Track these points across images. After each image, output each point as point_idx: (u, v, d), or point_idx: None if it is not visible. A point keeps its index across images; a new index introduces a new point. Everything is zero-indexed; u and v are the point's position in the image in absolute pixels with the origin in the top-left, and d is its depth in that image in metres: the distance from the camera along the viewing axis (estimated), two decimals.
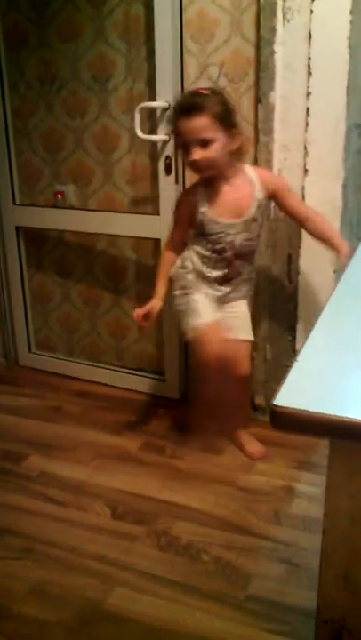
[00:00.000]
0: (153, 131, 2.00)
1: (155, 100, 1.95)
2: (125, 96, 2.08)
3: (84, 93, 2.15)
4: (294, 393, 0.73)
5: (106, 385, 2.39)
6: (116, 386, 2.37)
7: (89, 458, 1.92)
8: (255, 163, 1.92)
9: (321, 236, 1.70)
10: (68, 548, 1.53)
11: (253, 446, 1.92)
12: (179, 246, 1.78)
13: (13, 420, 2.17)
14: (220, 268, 1.74)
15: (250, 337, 1.82)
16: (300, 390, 0.74)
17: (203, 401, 1.91)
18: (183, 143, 1.61)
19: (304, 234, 1.87)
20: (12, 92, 2.29)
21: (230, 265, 1.73)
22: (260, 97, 1.84)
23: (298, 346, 1.98)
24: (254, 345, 2.07)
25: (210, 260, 1.73)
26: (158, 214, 2.05)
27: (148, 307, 1.75)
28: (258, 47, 1.82)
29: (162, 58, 1.91)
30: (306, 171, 1.83)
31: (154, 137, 1.98)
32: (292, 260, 1.92)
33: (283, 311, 1.98)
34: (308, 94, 1.77)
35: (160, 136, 1.96)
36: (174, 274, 1.79)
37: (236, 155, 1.66)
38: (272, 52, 1.77)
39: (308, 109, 1.78)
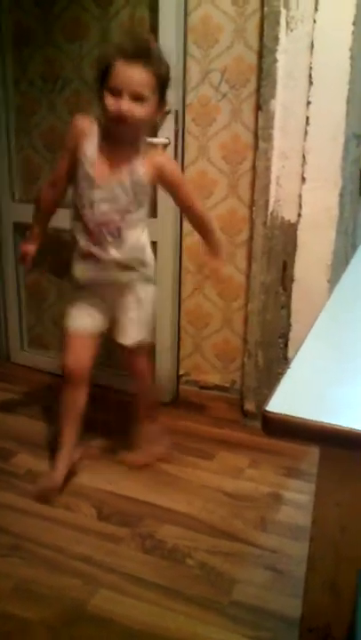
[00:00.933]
0: (153, 134, 2.01)
1: None
2: None
3: (87, 94, 2.15)
4: (287, 399, 0.73)
5: (97, 386, 2.37)
6: (107, 386, 2.36)
7: (76, 457, 1.91)
8: (253, 169, 1.94)
9: (202, 234, 1.69)
10: (54, 547, 1.53)
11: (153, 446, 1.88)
12: (58, 181, 1.65)
13: (3, 416, 2.16)
14: (84, 237, 1.59)
15: (129, 340, 1.70)
16: (293, 397, 0.74)
17: (62, 405, 1.78)
18: (112, 87, 1.43)
19: (300, 242, 1.89)
20: (14, 89, 2.29)
21: (91, 234, 1.58)
22: (261, 104, 1.85)
23: (290, 353, 1.99)
24: (246, 351, 2.08)
25: (75, 225, 1.61)
26: (156, 217, 2.05)
27: (24, 248, 1.75)
28: (260, 55, 1.83)
29: None
30: (303, 179, 1.84)
31: (154, 140, 1.98)
32: (286, 268, 1.93)
33: (276, 318, 1.99)
34: (309, 103, 1.78)
35: (160, 139, 1.96)
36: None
37: (149, 126, 1.60)
38: (274, 60, 1.78)
39: (307, 118, 1.79)
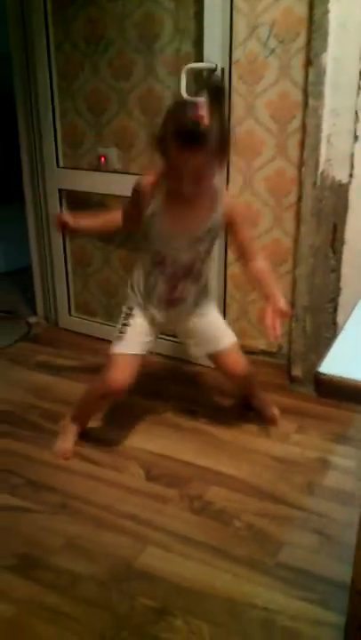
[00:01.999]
0: (198, 93, 1.95)
1: (201, 61, 1.90)
2: (172, 57, 2.04)
3: (131, 54, 2.11)
4: (339, 361, 0.71)
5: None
6: (154, 351, 2.38)
7: (125, 420, 1.94)
8: (303, 128, 1.87)
9: (259, 283, 1.70)
10: (102, 506, 1.57)
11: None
12: (126, 222, 1.71)
13: (52, 380, 2.21)
14: (162, 287, 1.65)
15: (228, 340, 1.80)
16: (345, 359, 0.73)
17: (91, 411, 1.87)
18: (172, 166, 1.45)
19: (351, 203, 1.82)
20: (57, 51, 2.26)
21: (171, 285, 1.64)
22: (312, 59, 1.77)
23: (339, 318, 1.95)
24: (294, 316, 2.05)
25: (152, 276, 1.65)
26: None
27: (64, 216, 1.77)
28: (311, 5, 1.75)
29: (210, 17, 1.85)
30: (356, 137, 1.77)
31: (200, 99, 1.93)
32: (337, 230, 1.87)
33: (325, 282, 1.94)
34: None
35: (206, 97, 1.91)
36: (127, 293, 1.74)
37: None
38: (326, 11, 1.70)
39: (360, 72, 1.71)
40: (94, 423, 1.92)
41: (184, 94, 1.91)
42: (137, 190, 1.59)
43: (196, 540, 1.45)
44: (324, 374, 0.68)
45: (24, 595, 1.31)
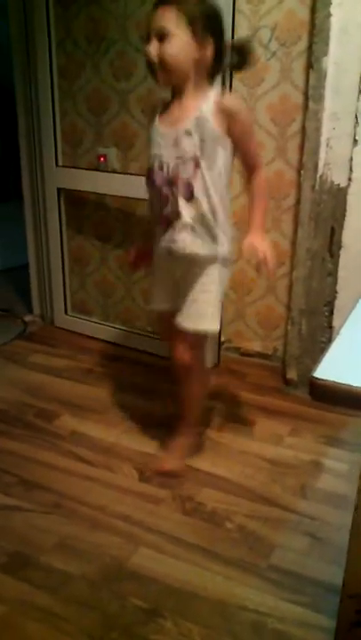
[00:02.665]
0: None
1: None
2: None
3: (132, 54, 2.11)
4: (334, 366, 0.71)
5: (138, 350, 2.41)
6: (149, 352, 2.38)
7: (119, 420, 1.94)
8: (302, 131, 1.87)
9: (249, 207, 1.51)
10: (95, 506, 1.57)
11: (169, 461, 1.70)
12: None
13: (47, 379, 2.21)
14: (158, 201, 1.48)
15: (191, 326, 1.51)
16: (341, 364, 0.73)
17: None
18: (145, 37, 1.37)
19: (350, 207, 1.83)
20: (58, 50, 2.26)
21: (162, 196, 1.45)
22: (313, 62, 1.78)
23: (335, 322, 1.95)
24: (290, 319, 2.05)
25: (149, 190, 1.51)
26: None
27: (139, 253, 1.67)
28: (313, 9, 1.75)
29: None
30: (355, 141, 1.77)
31: None
32: (334, 234, 1.87)
33: (321, 285, 1.95)
34: None
35: None
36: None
37: (203, 71, 1.40)
38: (328, 15, 1.70)
39: None
40: (88, 423, 1.92)
41: None
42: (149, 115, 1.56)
43: (188, 542, 1.45)
44: (320, 379, 0.67)
45: (14, 594, 1.31)
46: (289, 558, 1.41)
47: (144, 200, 2.23)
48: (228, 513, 1.54)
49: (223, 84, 1.88)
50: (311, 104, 1.80)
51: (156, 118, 1.48)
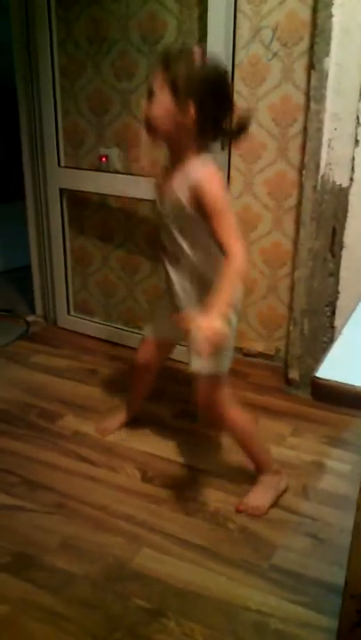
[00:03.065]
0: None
1: None
2: None
3: (134, 55, 2.11)
4: (336, 366, 0.72)
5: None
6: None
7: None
8: (304, 132, 1.87)
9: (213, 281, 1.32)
10: (97, 506, 1.57)
11: (253, 498, 1.58)
12: None
13: (50, 379, 2.21)
14: (163, 267, 1.52)
15: (198, 368, 1.46)
16: (343, 364, 0.73)
17: (131, 389, 1.91)
18: None
19: (351, 207, 1.83)
20: (60, 50, 2.27)
21: (165, 268, 1.50)
22: (314, 63, 1.78)
23: (337, 322, 1.95)
24: (292, 319, 2.05)
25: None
26: None
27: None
28: (315, 9, 1.75)
29: (214, 19, 1.85)
30: (357, 141, 1.77)
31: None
32: (336, 234, 1.87)
33: (323, 286, 1.95)
34: None
35: None
36: None
37: (189, 134, 1.34)
38: (330, 15, 1.70)
39: None
40: (91, 424, 1.93)
41: None
42: None
43: (191, 542, 1.45)
44: (322, 379, 0.68)
45: (17, 594, 1.31)
46: (291, 559, 1.41)
47: (146, 200, 2.25)
48: (230, 513, 1.54)
49: (222, 148, 1.60)
50: (313, 104, 1.80)
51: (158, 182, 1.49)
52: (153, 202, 1.53)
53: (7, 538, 1.46)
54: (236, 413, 1.55)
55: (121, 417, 1.90)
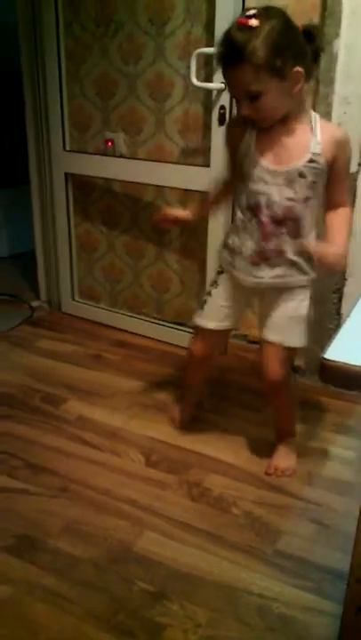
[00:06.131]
0: (209, 78, 1.94)
1: (212, 45, 1.88)
2: (182, 41, 2.01)
3: (141, 37, 2.09)
4: (346, 348, 0.71)
5: (146, 337, 2.40)
6: (156, 338, 2.38)
7: (126, 406, 1.94)
8: None
9: (327, 232, 1.44)
10: (101, 490, 1.57)
11: (282, 461, 1.66)
12: (226, 183, 1.58)
13: (54, 364, 2.21)
14: (255, 237, 1.44)
15: (281, 340, 1.50)
16: (351, 346, 0.72)
17: (186, 383, 1.85)
18: (232, 94, 1.38)
19: (359, 191, 1.81)
20: (66, 33, 2.24)
21: (266, 234, 1.43)
22: (324, 45, 1.74)
23: (344, 309, 1.94)
24: None
25: (244, 224, 1.46)
26: (209, 166, 2.00)
27: (176, 212, 1.59)
28: None
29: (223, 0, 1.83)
30: None
31: (209, 85, 1.92)
32: None
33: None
34: None
35: (216, 84, 1.90)
36: (218, 251, 1.61)
37: (302, 95, 1.35)
38: None
39: None
40: (95, 408, 1.92)
41: (193, 79, 1.90)
42: (226, 135, 1.53)
43: (194, 527, 1.45)
44: (330, 360, 0.67)
45: (21, 576, 1.31)
46: (295, 544, 1.41)
47: (151, 185, 2.24)
48: (234, 499, 1.54)
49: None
50: (322, 88, 1.78)
51: (254, 145, 1.40)
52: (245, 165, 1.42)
53: (11, 520, 1.47)
54: (294, 386, 1.66)
55: (188, 410, 1.85)
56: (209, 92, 1.95)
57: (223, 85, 1.88)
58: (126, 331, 2.45)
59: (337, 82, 1.75)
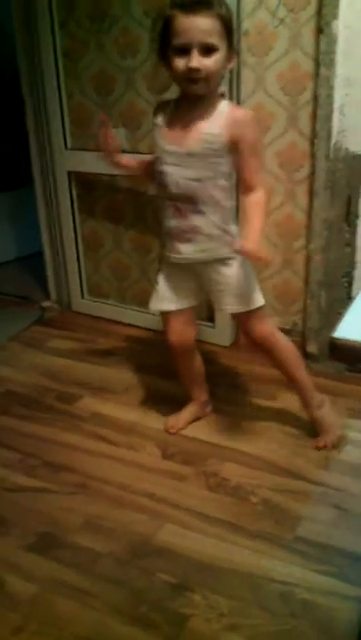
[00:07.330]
0: None
1: None
2: None
3: (136, 30, 2.08)
4: (355, 326, 0.70)
5: (156, 331, 2.40)
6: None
7: (139, 400, 1.95)
8: (314, 99, 1.83)
9: (241, 218, 1.48)
10: (119, 485, 1.57)
11: (326, 429, 1.69)
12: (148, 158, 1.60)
13: (66, 362, 2.22)
14: (172, 215, 1.49)
15: (238, 308, 1.55)
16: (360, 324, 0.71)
17: (182, 378, 1.81)
18: (178, 46, 1.31)
19: None
20: (61, 31, 2.23)
21: (177, 212, 1.48)
22: (323, 26, 1.73)
23: (355, 292, 1.92)
24: (309, 292, 2.02)
25: (163, 204, 1.51)
26: None
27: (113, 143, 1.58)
28: None
29: None
30: None
31: None
32: (351, 203, 1.84)
33: (339, 256, 1.92)
34: None
35: None
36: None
37: (222, 77, 1.42)
38: None
39: None
40: (109, 405, 1.93)
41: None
42: (153, 117, 1.53)
43: (214, 517, 1.45)
44: (339, 339, 0.66)
45: (44, 573, 1.32)
46: (315, 530, 1.40)
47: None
48: (252, 487, 1.54)
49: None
50: (322, 70, 1.76)
51: (161, 127, 1.46)
52: (156, 149, 1.48)
53: (32, 519, 1.48)
54: (286, 339, 1.64)
55: (189, 409, 1.81)
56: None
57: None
58: (136, 326, 2.45)
59: (338, 63, 1.74)
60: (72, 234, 2.52)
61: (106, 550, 1.37)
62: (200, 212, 1.46)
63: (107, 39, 2.15)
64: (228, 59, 1.36)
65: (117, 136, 1.65)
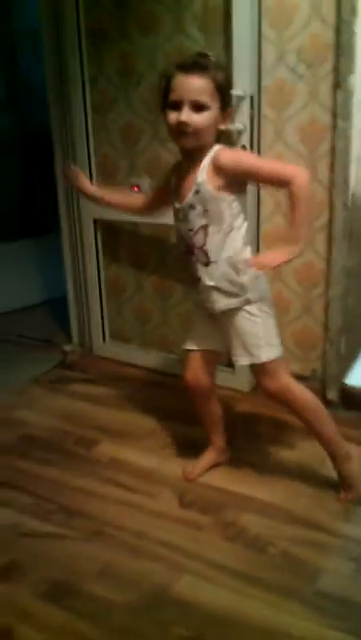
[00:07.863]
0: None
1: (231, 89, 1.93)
2: None
3: None
4: None
5: (177, 376, 2.39)
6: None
7: (159, 446, 1.93)
8: (332, 150, 1.87)
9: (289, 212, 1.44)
10: (136, 532, 1.55)
11: (347, 485, 1.64)
12: (144, 202, 1.74)
13: (86, 406, 2.22)
14: (188, 264, 1.56)
15: (250, 360, 1.56)
16: None
17: (201, 420, 1.81)
18: (172, 101, 1.41)
19: None
20: (91, 86, 2.34)
21: (190, 261, 1.54)
22: (340, 81, 1.78)
23: None
24: (328, 338, 2.01)
25: (183, 254, 1.58)
26: None
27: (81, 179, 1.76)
28: (338, 30, 1.77)
29: (239, 46, 1.89)
30: None
31: (230, 126, 1.96)
32: None
33: (359, 303, 1.92)
34: None
35: (236, 125, 1.94)
36: None
37: (215, 134, 1.48)
38: (352, 34, 1.72)
39: None
40: (128, 450, 1.92)
41: None
42: (167, 172, 1.64)
43: (231, 568, 1.42)
44: (352, 387, 0.66)
45: (57, 622, 1.30)
46: (335, 584, 1.36)
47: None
48: (270, 538, 1.50)
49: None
50: (340, 122, 1.81)
51: (173, 186, 1.56)
52: (174, 206, 1.56)
53: (46, 565, 1.46)
54: (306, 393, 1.60)
55: (207, 457, 1.80)
56: (230, 133, 1.99)
57: (242, 126, 1.92)
58: (158, 371, 2.45)
59: (355, 115, 1.78)
60: (96, 278, 2.57)
61: (120, 600, 1.35)
62: (204, 264, 1.51)
63: (134, 94, 2.24)
64: (222, 117, 1.45)
65: (76, 168, 1.83)
